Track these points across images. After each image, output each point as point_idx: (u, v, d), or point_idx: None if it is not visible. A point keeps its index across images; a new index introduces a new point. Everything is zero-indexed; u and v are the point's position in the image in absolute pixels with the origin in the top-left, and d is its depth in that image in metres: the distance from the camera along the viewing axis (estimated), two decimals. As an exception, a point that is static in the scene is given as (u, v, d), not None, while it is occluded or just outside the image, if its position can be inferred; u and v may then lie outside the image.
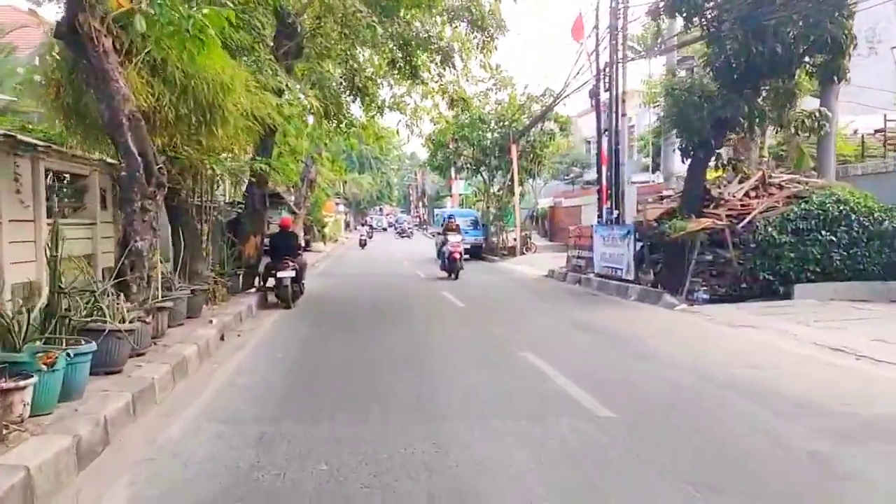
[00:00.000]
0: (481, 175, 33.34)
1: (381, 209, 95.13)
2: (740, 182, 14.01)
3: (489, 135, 32.21)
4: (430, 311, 13.28)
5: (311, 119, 17.77)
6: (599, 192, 19.22)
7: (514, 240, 30.33)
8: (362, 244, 42.16)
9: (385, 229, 75.85)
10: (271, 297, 14.19)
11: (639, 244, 15.13)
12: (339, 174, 41.47)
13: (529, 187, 33.93)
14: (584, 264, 19.15)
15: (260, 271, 14.68)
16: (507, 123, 30.51)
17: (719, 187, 14.06)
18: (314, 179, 24.74)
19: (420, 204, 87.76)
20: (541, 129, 30.50)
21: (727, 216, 13.23)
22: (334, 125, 16.65)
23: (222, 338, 9.72)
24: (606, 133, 18.27)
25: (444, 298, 15.29)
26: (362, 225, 70.14)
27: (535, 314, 12.81)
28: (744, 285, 13.23)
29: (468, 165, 33.59)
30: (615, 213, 17.76)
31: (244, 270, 14.34)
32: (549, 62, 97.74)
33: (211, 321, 9.85)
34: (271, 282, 13.93)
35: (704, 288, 13.21)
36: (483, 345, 9.34)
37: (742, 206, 13.33)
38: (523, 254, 29.60)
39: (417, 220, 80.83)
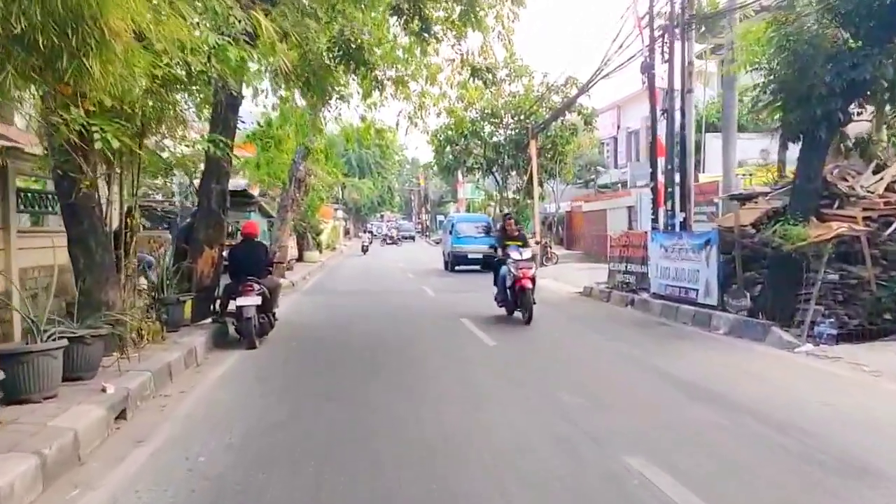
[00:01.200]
0: (494, 176, 29.62)
1: (381, 216, 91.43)
2: (875, 172, 10.24)
3: (502, 131, 28.55)
4: (450, 355, 9.49)
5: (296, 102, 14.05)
6: (654, 190, 15.48)
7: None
8: (364, 250, 46.19)
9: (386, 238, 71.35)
10: (232, 330, 10.46)
11: (723, 257, 11.38)
12: (334, 175, 37.69)
13: (550, 189, 30.12)
14: (633, 281, 15.39)
15: (218, 295, 10.94)
16: (523, 117, 26.82)
17: (844, 179, 10.26)
18: (304, 179, 20.95)
19: (423, 210, 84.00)
20: (561, 123, 26.81)
21: (864, 219, 9.47)
22: (318, 101, 12.82)
23: (122, 415, 5.99)
24: (664, 116, 14.55)
25: (467, 332, 11.52)
26: (364, 232, 66.87)
27: (603, 361, 9.04)
28: (887, 316, 9.48)
29: (479, 165, 29.87)
30: (678, 216, 14.02)
31: (196, 295, 10.58)
32: (575, 45, 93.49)
33: (104, 388, 6.09)
34: (235, 306, 10.20)
35: (830, 320, 9.43)
36: (553, 434, 5.53)
37: (886, 204, 9.57)
38: (544, 265, 25.80)
39: (419, 226, 76.74)
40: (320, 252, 39.41)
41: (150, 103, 6.65)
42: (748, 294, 10.63)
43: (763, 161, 20.34)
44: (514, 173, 29.53)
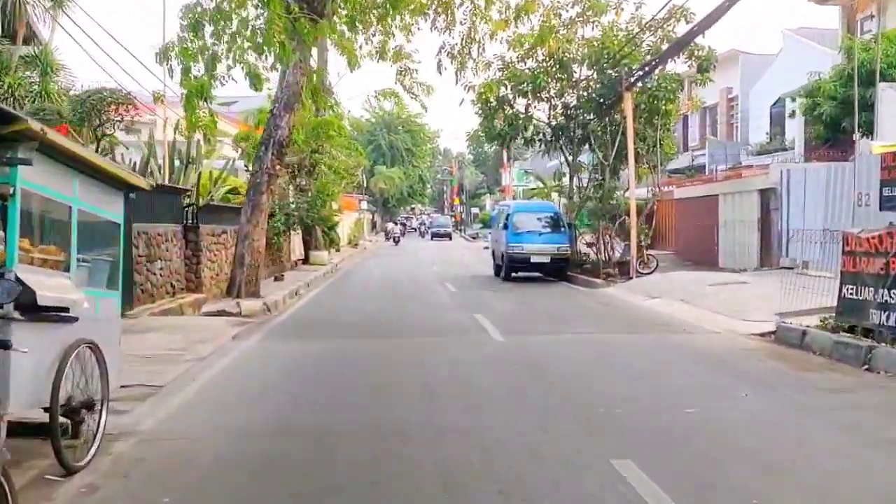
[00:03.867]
0: (562, 151, 21.78)
1: (412, 209, 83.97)
2: None
3: (571, 92, 20.74)
4: None
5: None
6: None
7: (615, 250, 18.79)
8: (396, 241, 47.97)
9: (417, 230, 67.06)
10: None
11: None
12: (356, 151, 30.30)
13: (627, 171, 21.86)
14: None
15: None
16: (606, 64, 18.93)
17: None
18: (286, 142, 13.36)
19: (459, 202, 76.29)
20: (663, 74, 18.89)
21: None
22: None
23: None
24: None
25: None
26: (396, 223, 60.74)
27: None
28: None
29: (540, 137, 22.04)
30: None
31: None
32: None
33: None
34: None
35: None
36: None
37: None
38: (640, 274, 17.98)
39: (453, 220, 69.57)
40: (335, 250, 32.06)
41: None
42: None
43: None
44: (585, 147, 21.76)
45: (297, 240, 25.50)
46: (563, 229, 20.12)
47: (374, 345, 9.53)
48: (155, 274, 13.53)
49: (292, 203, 24.12)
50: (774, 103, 31.38)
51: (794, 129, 28.73)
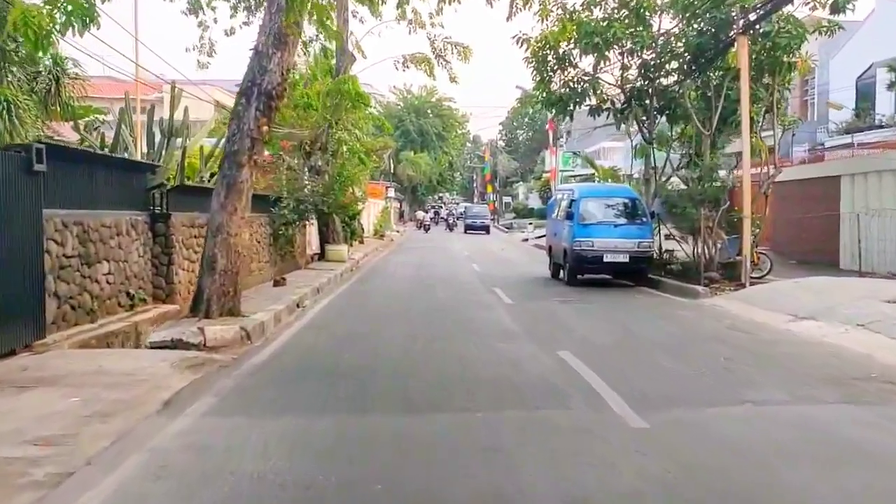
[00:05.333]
0: (639, 126, 17.27)
1: (439, 197, 79.53)
2: None
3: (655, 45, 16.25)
4: None
5: None
6: None
7: (717, 247, 14.32)
8: (426, 229, 45.94)
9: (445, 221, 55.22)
10: None
11: None
12: (379, 127, 26.14)
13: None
14: None
15: None
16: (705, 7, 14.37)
17: None
18: (277, 93, 9.09)
19: (491, 190, 71.82)
20: (784, 16, 14.26)
21: None
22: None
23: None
24: None
25: None
26: (426, 212, 57.28)
27: None
28: None
29: (608, 105, 17.52)
30: None
31: None
32: None
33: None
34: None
35: None
36: None
37: None
38: (753, 281, 13.53)
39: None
40: (359, 242, 27.96)
41: None
42: None
43: None
44: (660, 120, 17.29)
45: (313, 231, 21.48)
46: (643, 220, 15.65)
47: (407, 431, 5.24)
48: (97, 282, 9.51)
49: (308, 186, 19.94)
50: (861, 75, 26.75)
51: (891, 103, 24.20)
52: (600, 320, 10.60)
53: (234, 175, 9.17)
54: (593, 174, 29.55)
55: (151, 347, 8.26)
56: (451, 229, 48.92)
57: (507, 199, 74.66)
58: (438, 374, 7.05)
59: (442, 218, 58.17)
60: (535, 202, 61.16)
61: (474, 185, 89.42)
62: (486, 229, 46.06)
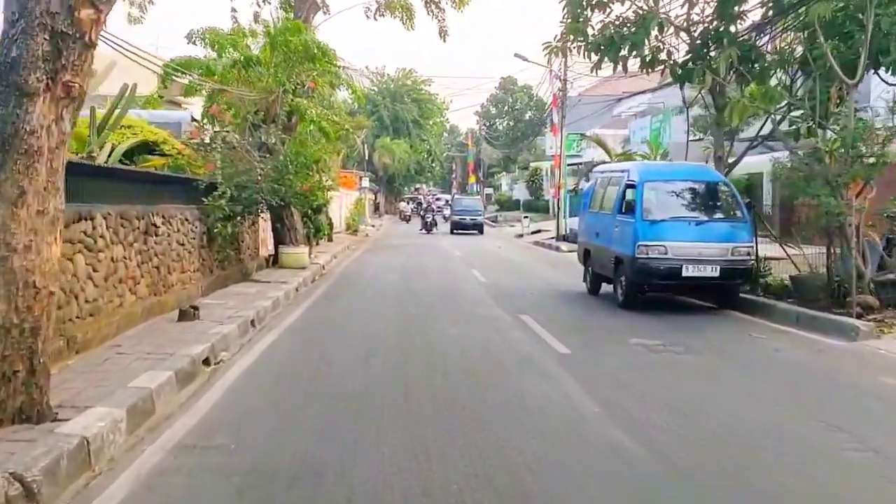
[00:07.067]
0: (709, 71, 12.21)
1: (416, 188, 74.06)
2: None
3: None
4: None
5: None
6: None
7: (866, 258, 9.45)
8: (407, 220, 45.80)
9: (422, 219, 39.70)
10: None
11: None
12: (351, 93, 20.84)
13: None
14: None
15: None
16: None
17: None
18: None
19: (474, 180, 66.74)
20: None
21: None
22: None
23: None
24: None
25: None
26: (407, 203, 53.19)
27: None
28: None
29: (664, 56, 12.46)
30: None
31: None
32: None
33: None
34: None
35: None
36: None
37: None
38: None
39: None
40: (327, 239, 22.78)
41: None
42: None
43: None
44: (730, 79, 12.37)
45: (265, 226, 16.31)
46: (738, 214, 10.69)
47: None
48: None
49: (257, 169, 14.53)
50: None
51: None
52: (745, 395, 5.66)
53: (17, 118, 4.01)
54: (600, 161, 24.52)
55: None
56: (429, 230, 34.90)
57: (488, 190, 69.46)
58: None
59: (418, 214, 44.82)
60: (520, 193, 56.23)
61: (453, 175, 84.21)
62: (480, 228, 35.52)
